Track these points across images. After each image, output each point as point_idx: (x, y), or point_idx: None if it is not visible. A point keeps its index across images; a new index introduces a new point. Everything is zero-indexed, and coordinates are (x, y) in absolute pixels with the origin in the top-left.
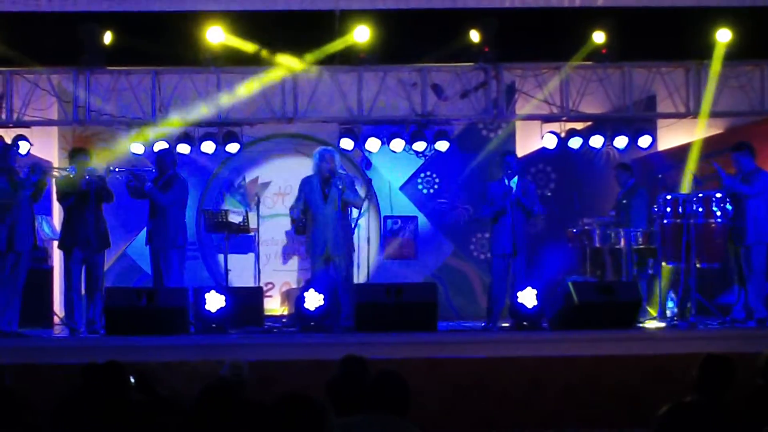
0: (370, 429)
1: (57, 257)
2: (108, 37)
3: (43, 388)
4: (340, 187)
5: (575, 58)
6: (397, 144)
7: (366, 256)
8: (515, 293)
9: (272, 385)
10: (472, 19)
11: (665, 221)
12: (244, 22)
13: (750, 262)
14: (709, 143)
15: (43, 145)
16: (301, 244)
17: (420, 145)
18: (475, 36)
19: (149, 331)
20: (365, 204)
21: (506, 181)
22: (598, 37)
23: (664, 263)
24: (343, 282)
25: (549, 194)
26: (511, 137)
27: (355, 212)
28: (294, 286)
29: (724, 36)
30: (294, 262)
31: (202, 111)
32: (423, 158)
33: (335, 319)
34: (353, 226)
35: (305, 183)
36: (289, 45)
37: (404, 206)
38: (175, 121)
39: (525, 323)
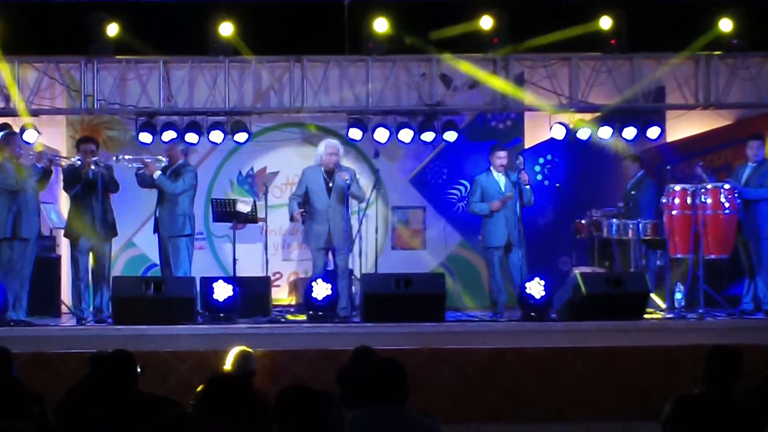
0: (380, 422)
1: (64, 246)
2: (116, 27)
3: (51, 377)
4: (348, 180)
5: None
6: (406, 134)
7: (374, 246)
8: (522, 284)
9: (280, 374)
10: (482, 10)
11: (674, 212)
12: (253, 12)
13: (759, 254)
14: (718, 134)
15: (51, 134)
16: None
17: (428, 136)
18: (485, 24)
19: (157, 321)
20: (373, 194)
21: (494, 175)
22: (606, 24)
23: (672, 254)
24: (342, 272)
25: (558, 185)
26: (519, 128)
27: (353, 204)
28: (302, 275)
29: (725, 25)
30: (301, 252)
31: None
32: (432, 148)
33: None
34: (360, 217)
35: (308, 174)
36: (298, 35)
37: (412, 196)
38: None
39: (533, 314)
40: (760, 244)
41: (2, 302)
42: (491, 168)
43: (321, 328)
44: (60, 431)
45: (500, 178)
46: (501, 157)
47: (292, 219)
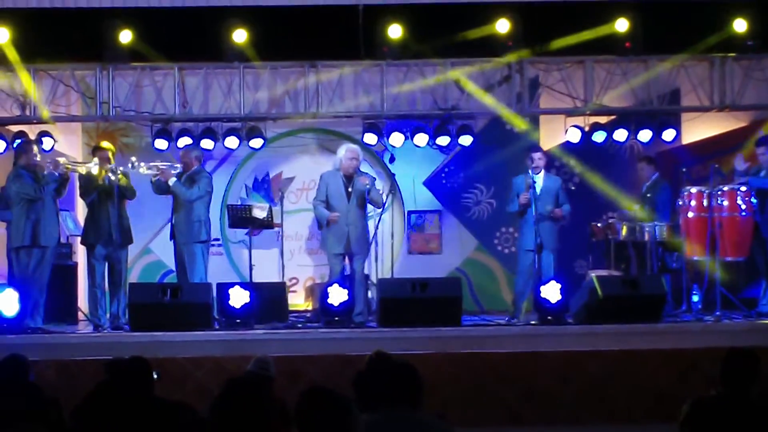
0: (395, 426)
1: (81, 253)
2: (130, 34)
3: (68, 383)
4: (368, 186)
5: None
6: (421, 138)
7: (390, 250)
8: (538, 288)
9: (297, 379)
10: (498, 14)
11: (690, 214)
12: (267, 18)
13: None
14: (733, 136)
15: (67, 141)
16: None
17: (443, 140)
18: (500, 28)
19: (173, 327)
20: (389, 199)
21: (530, 177)
22: (621, 26)
23: (688, 257)
24: (359, 278)
25: (573, 188)
26: (535, 131)
27: (369, 209)
28: (318, 281)
29: (740, 26)
30: (318, 257)
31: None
32: (447, 153)
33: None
34: (377, 222)
35: (327, 178)
36: (312, 40)
37: (428, 201)
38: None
39: (549, 317)
40: None
41: (20, 310)
42: (528, 170)
43: (337, 333)
44: None
45: (538, 179)
46: (537, 158)
47: (327, 223)
